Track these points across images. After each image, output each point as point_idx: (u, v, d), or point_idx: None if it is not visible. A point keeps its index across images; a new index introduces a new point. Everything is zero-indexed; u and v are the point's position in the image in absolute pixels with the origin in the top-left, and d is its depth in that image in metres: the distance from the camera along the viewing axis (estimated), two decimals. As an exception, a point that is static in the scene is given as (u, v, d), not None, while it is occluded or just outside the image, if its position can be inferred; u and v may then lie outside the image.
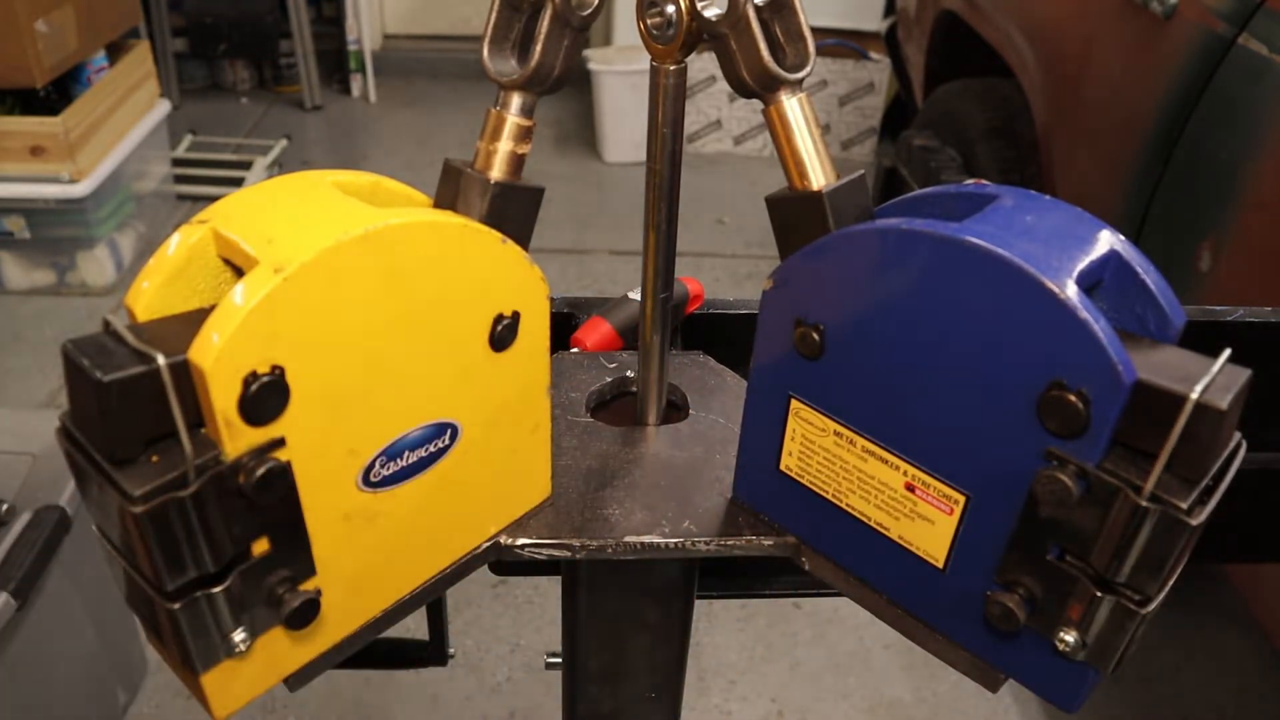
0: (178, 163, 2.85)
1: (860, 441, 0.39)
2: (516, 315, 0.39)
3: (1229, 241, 1.32)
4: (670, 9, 0.39)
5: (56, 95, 2.33)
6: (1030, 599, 0.37)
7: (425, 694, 1.49)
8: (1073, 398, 0.32)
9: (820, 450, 0.41)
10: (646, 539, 0.43)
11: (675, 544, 0.43)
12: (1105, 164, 1.61)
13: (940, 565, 0.39)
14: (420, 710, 1.48)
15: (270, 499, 0.33)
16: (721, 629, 1.66)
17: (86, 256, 2.37)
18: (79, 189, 2.28)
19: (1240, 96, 1.33)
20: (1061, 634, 0.36)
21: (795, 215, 0.39)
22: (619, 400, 0.53)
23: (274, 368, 0.32)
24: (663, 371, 0.49)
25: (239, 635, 0.35)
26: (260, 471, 0.33)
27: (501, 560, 0.57)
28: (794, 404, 0.41)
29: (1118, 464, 0.33)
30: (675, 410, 0.53)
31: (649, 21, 0.40)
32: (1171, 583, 0.35)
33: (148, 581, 0.34)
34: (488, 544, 0.44)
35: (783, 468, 0.43)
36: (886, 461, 0.39)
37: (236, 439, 0.32)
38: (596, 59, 3.13)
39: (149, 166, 2.66)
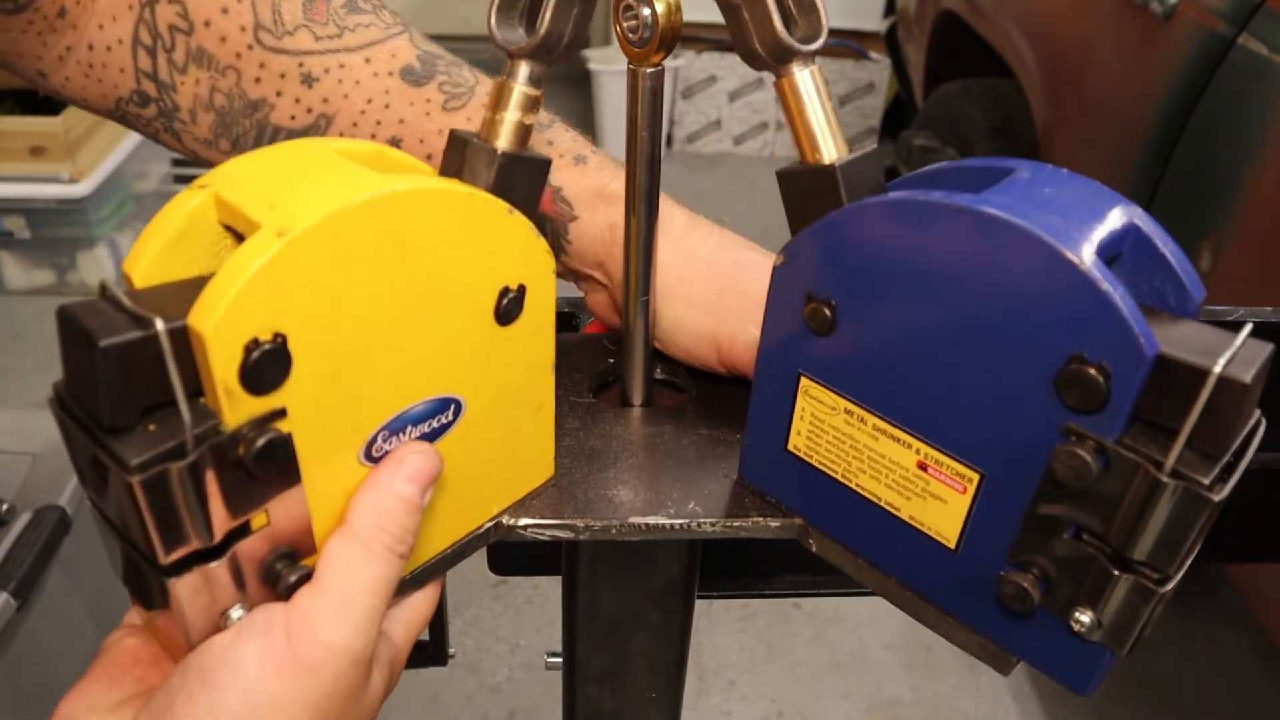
0: (178, 162, 2.84)
1: (871, 419, 0.39)
2: (522, 289, 0.38)
3: (1229, 241, 1.31)
4: (645, 11, 0.39)
5: (57, 95, 2.32)
6: (1044, 579, 0.36)
7: (425, 694, 1.49)
8: (1093, 371, 0.32)
9: (830, 429, 0.40)
10: (651, 520, 0.42)
11: (680, 525, 0.42)
12: (1105, 164, 1.61)
13: (952, 546, 0.38)
14: (420, 710, 1.47)
15: (270, 471, 0.33)
16: (721, 629, 1.65)
17: (86, 256, 2.36)
18: (79, 189, 2.27)
19: (1240, 96, 1.33)
20: (1077, 614, 0.35)
21: (807, 189, 0.38)
22: (622, 383, 0.53)
23: (276, 335, 0.31)
24: (648, 367, 0.48)
25: (236, 612, 0.35)
26: (261, 442, 0.32)
27: (503, 542, 0.56)
28: (804, 382, 0.40)
29: (1137, 440, 0.32)
30: (680, 393, 0.52)
31: (624, 24, 0.40)
32: (1190, 562, 0.34)
33: (143, 555, 0.33)
34: (489, 524, 0.43)
35: (790, 448, 0.42)
36: (898, 440, 0.38)
37: (237, 409, 0.31)
38: (596, 59, 3.13)
39: (149, 166, 2.65)
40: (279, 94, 0.49)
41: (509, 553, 0.57)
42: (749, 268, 0.48)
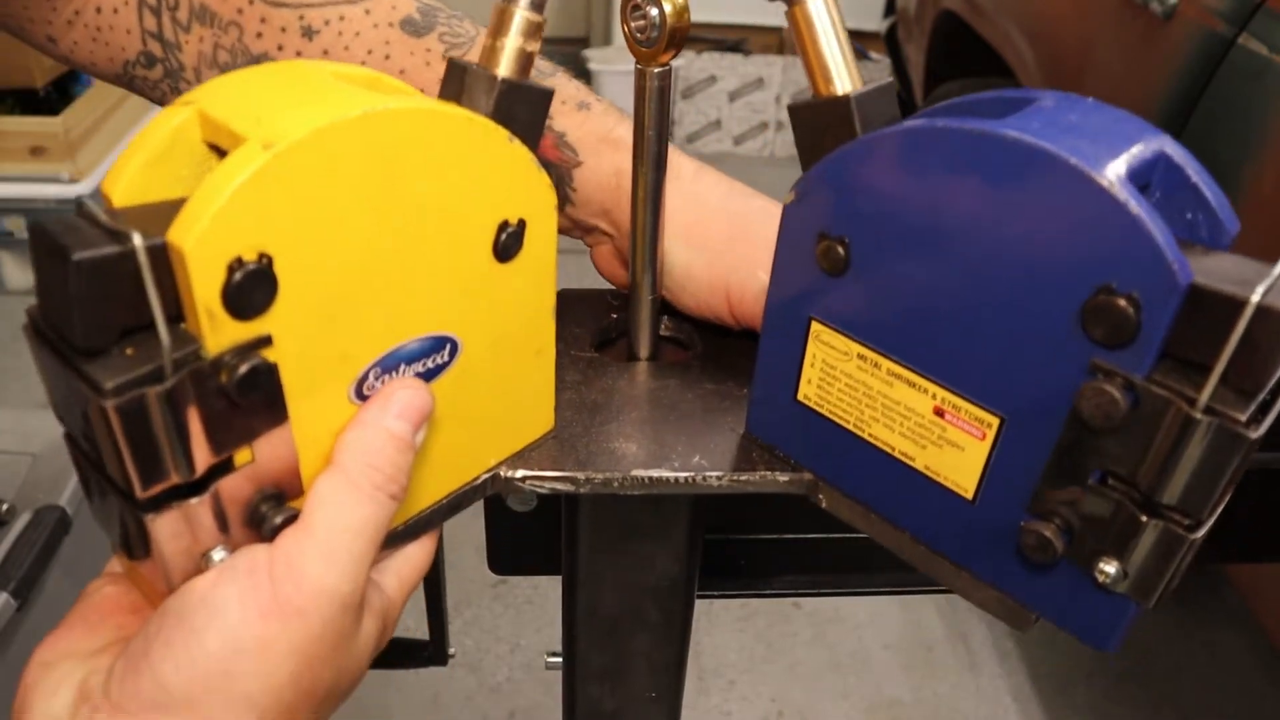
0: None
1: (886, 364, 0.37)
2: (523, 224, 0.36)
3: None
4: (654, 11, 0.38)
5: (56, 95, 2.31)
6: (1067, 528, 0.34)
7: (425, 694, 1.47)
8: (1122, 302, 0.30)
9: (842, 376, 0.38)
10: (655, 473, 0.40)
11: (685, 478, 0.40)
12: (1107, 161, 1.59)
13: (969, 496, 0.37)
14: (420, 710, 1.45)
15: (255, 401, 0.31)
16: (721, 629, 1.64)
17: (85, 255, 2.34)
18: (79, 189, 2.27)
19: (1240, 96, 1.32)
20: (1101, 565, 0.34)
21: (820, 122, 0.37)
22: (625, 339, 0.51)
23: (261, 255, 0.30)
24: (654, 320, 0.47)
25: (218, 554, 0.33)
26: (244, 369, 0.30)
27: (503, 540, 0.55)
28: (815, 326, 0.38)
29: (1168, 376, 0.31)
30: (684, 350, 0.50)
31: (633, 24, 0.39)
32: (1221, 508, 0.32)
33: (120, 491, 0.31)
34: (487, 476, 0.41)
35: (800, 398, 0.40)
36: (914, 385, 0.36)
37: (219, 333, 0.30)
38: (596, 59, 3.12)
39: (147, 165, 2.64)
40: (280, 48, 0.49)
41: (509, 552, 0.56)
42: (760, 214, 0.47)
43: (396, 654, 0.64)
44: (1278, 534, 0.64)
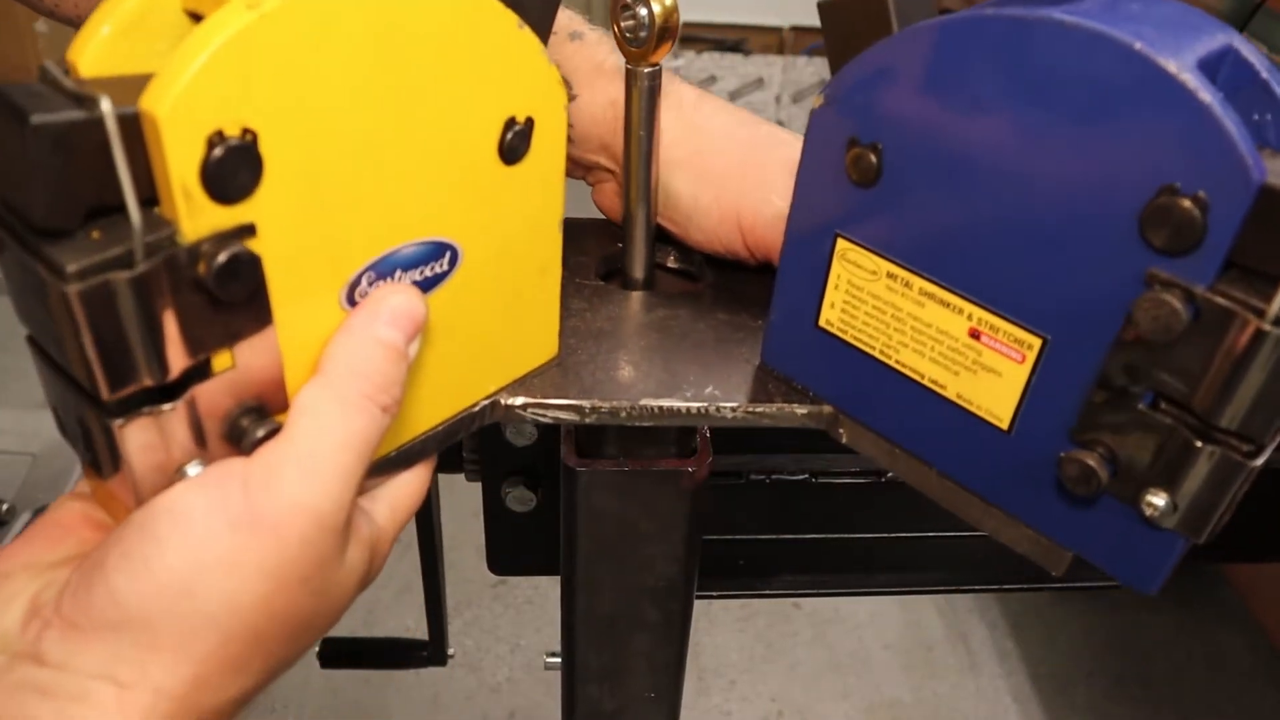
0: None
1: (918, 283, 0.34)
2: (530, 123, 0.34)
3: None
4: (643, 11, 0.38)
5: (56, 95, 2.28)
6: (1111, 458, 0.32)
7: (425, 694, 1.45)
8: (1187, 204, 0.28)
9: (869, 298, 0.36)
10: (665, 403, 0.38)
11: (698, 409, 0.38)
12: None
13: (1005, 426, 0.34)
14: (420, 710, 1.43)
15: (235, 296, 0.28)
16: (721, 629, 1.62)
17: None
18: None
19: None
20: (1149, 497, 0.31)
21: (853, 22, 0.34)
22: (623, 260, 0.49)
23: (245, 130, 0.27)
24: (650, 242, 0.45)
25: (193, 470, 0.30)
26: (223, 258, 0.27)
27: (503, 540, 0.53)
28: (840, 244, 0.36)
29: (1233, 286, 0.28)
30: (693, 281, 0.48)
31: (622, 24, 0.39)
32: (1283, 435, 0.30)
33: (85, 394, 0.28)
34: (486, 402, 0.39)
35: (822, 323, 0.38)
36: (948, 305, 0.34)
37: (197, 217, 0.27)
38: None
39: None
40: None
41: (509, 552, 0.55)
42: (769, 139, 0.44)
43: (396, 654, 0.63)
44: (1278, 534, 0.62)
